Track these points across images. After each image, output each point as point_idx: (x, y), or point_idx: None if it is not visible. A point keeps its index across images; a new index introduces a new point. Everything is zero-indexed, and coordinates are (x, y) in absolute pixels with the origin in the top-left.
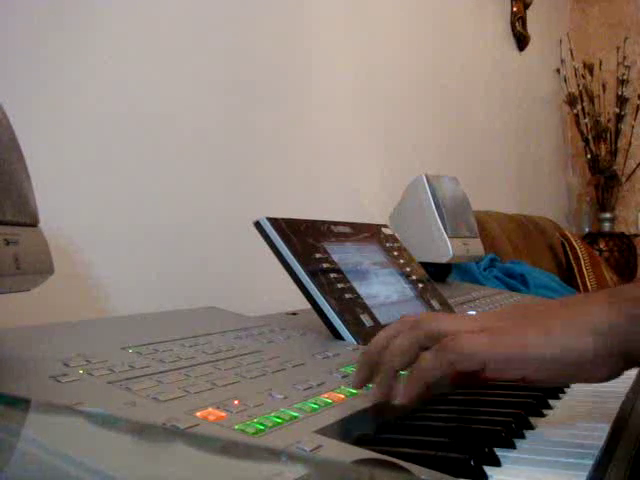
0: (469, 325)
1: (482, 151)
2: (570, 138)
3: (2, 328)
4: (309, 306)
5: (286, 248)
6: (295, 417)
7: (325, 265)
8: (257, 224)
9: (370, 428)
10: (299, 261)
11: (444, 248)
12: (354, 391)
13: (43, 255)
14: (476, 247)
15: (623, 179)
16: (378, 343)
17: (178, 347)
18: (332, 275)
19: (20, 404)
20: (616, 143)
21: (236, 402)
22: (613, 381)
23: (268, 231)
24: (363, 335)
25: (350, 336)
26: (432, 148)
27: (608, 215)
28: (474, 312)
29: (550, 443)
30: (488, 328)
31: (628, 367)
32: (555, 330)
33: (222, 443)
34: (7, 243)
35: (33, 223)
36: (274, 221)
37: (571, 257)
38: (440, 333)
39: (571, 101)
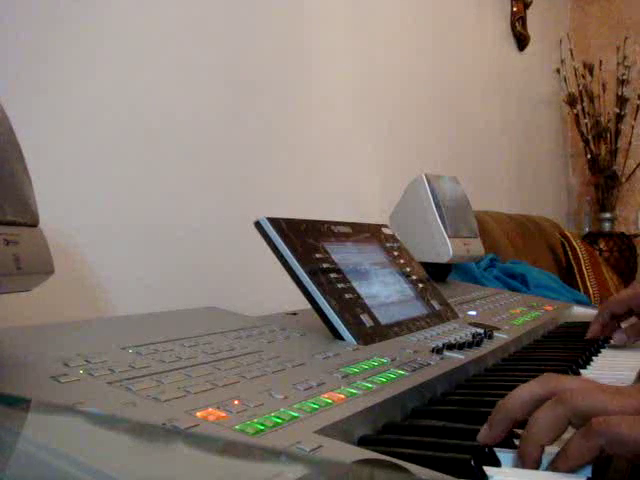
0: (625, 403)
1: (482, 151)
2: (570, 138)
3: (2, 328)
4: (309, 306)
5: (286, 248)
6: (295, 417)
7: (325, 265)
8: (257, 224)
9: (370, 428)
10: (299, 261)
11: (444, 248)
12: (354, 391)
13: (43, 255)
14: (476, 247)
15: (623, 179)
16: (519, 400)
17: (178, 347)
18: (332, 275)
19: (20, 404)
20: (616, 143)
21: (236, 402)
22: (617, 380)
23: (268, 231)
24: (363, 335)
25: (350, 336)
26: (432, 148)
27: (608, 215)
28: (474, 312)
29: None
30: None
31: None
32: None
33: (222, 443)
34: (7, 243)
35: (33, 223)
36: (274, 221)
37: (571, 257)
38: (591, 412)
39: (571, 101)
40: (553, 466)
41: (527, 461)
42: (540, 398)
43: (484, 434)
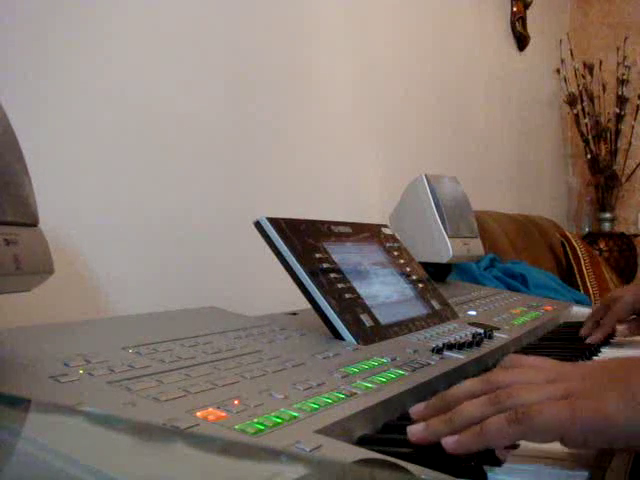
0: (549, 391)
1: (482, 151)
2: (570, 138)
3: (2, 328)
4: (309, 306)
5: (286, 248)
6: (295, 417)
7: (325, 265)
8: (257, 224)
9: (370, 428)
10: (299, 261)
11: (444, 248)
12: (354, 391)
13: (43, 255)
14: (476, 247)
15: (623, 179)
16: (456, 396)
17: (178, 347)
18: (332, 275)
19: (20, 404)
20: (616, 143)
21: (236, 402)
22: None
23: (268, 231)
24: (363, 335)
25: (350, 336)
26: (432, 148)
27: (608, 215)
28: (474, 312)
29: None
30: (568, 393)
31: None
32: None
33: (222, 443)
34: (7, 243)
35: (33, 223)
36: (274, 221)
37: (571, 257)
38: (516, 407)
39: (571, 101)
40: (471, 432)
41: (431, 433)
42: (477, 395)
43: (418, 409)
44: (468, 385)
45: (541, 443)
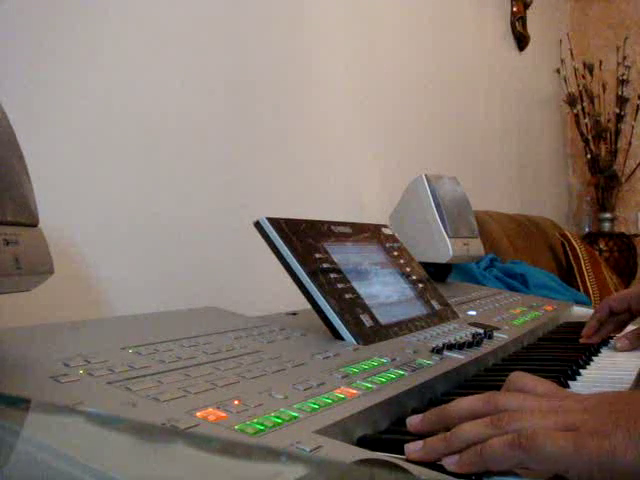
0: (553, 421)
1: (482, 151)
2: (570, 138)
3: (2, 328)
4: (309, 306)
5: (286, 248)
6: (295, 417)
7: (325, 265)
8: (257, 224)
9: (370, 428)
10: (299, 261)
11: (444, 248)
12: (354, 391)
13: (43, 255)
14: (476, 247)
15: (623, 179)
16: (458, 412)
17: (178, 347)
18: (332, 275)
19: (20, 404)
20: (616, 143)
21: (236, 402)
22: (617, 380)
23: (268, 231)
24: (363, 335)
25: (350, 336)
26: (432, 148)
27: (608, 215)
28: (474, 312)
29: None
30: (572, 425)
31: None
32: None
33: (222, 443)
34: (7, 243)
35: (33, 223)
36: (274, 221)
37: (571, 257)
38: (520, 432)
39: (571, 101)
40: (471, 453)
41: (428, 452)
42: (478, 414)
43: (415, 421)
44: (468, 403)
45: (539, 473)
